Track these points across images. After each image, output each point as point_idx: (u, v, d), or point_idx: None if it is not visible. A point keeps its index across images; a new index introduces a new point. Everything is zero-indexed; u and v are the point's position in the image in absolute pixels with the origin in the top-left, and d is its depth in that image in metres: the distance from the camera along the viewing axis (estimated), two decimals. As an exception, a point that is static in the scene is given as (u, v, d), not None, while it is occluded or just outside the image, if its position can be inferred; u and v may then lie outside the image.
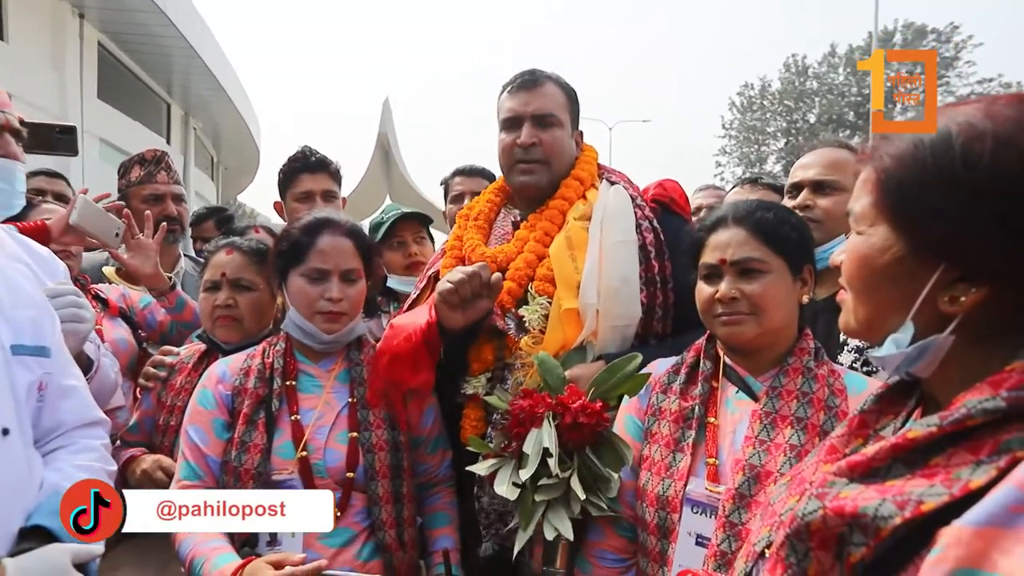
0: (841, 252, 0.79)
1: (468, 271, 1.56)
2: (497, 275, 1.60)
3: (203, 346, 1.86)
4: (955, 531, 0.57)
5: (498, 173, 1.91)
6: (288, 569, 1.27)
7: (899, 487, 0.64)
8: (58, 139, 1.82)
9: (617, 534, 1.38)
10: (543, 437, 1.31)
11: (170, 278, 2.09)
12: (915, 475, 0.65)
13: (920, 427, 0.66)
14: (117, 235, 1.94)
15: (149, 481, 1.65)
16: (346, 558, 1.45)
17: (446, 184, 2.96)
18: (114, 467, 1.35)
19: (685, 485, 1.26)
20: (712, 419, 1.30)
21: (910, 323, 0.70)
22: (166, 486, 1.60)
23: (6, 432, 1.09)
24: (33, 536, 1.07)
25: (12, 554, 1.03)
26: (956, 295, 0.67)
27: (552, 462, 1.28)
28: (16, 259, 1.52)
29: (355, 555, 1.47)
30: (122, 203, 2.22)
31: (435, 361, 1.59)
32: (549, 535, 1.27)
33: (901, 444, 0.67)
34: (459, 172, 2.90)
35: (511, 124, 1.75)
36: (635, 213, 1.68)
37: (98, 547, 1.14)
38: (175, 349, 1.93)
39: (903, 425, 0.77)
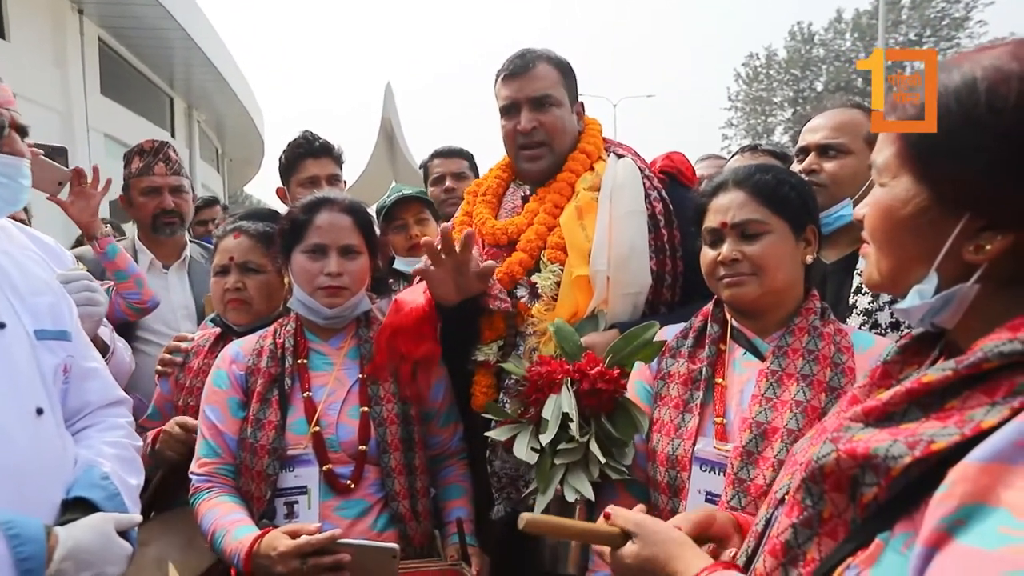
0: (864, 205, 0.78)
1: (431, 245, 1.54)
2: (490, 263, 1.61)
3: (218, 330, 1.90)
4: (962, 468, 0.58)
5: (483, 153, 1.92)
6: (304, 538, 1.31)
7: (912, 429, 0.65)
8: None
9: (630, 495, 1.39)
10: (562, 402, 1.33)
11: (106, 225, 2.15)
12: (929, 418, 0.65)
13: (936, 371, 0.66)
14: (60, 184, 2.00)
15: (170, 439, 1.69)
16: (361, 528, 1.48)
17: (425, 167, 2.93)
18: (140, 443, 1.40)
19: (694, 444, 1.28)
20: (720, 380, 1.31)
21: (934, 274, 0.69)
22: (185, 442, 1.65)
23: (40, 412, 1.14)
24: (76, 507, 1.14)
25: (59, 524, 1.10)
26: (981, 244, 0.66)
27: (573, 426, 1.30)
28: (26, 249, 1.55)
29: (370, 525, 1.50)
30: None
31: (437, 332, 1.60)
32: (570, 497, 1.30)
33: (916, 388, 0.67)
34: (438, 154, 2.86)
35: (509, 111, 1.75)
36: (643, 184, 1.69)
37: (137, 516, 1.22)
38: (189, 335, 1.97)
39: None
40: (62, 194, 2.05)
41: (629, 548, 0.92)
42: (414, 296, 1.64)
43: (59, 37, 10.19)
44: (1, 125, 1.23)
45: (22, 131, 1.51)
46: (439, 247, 1.53)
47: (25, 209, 2.51)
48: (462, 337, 1.71)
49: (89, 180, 2.11)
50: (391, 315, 1.61)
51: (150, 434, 1.78)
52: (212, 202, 4.01)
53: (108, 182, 2.17)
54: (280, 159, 2.50)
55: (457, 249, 1.53)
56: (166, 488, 1.74)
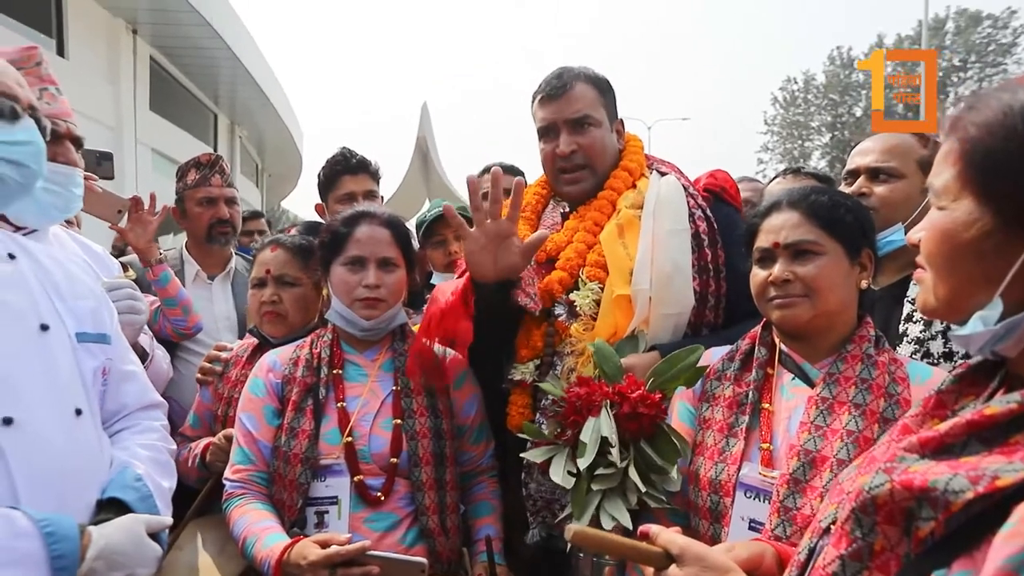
0: (919, 230, 0.75)
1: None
2: (541, 233, 1.61)
3: (256, 340, 1.92)
4: None
5: (530, 172, 1.91)
6: (333, 548, 1.30)
7: (973, 463, 0.62)
8: (98, 165, 2.00)
9: (670, 520, 1.35)
10: (601, 426, 1.28)
11: (161, 253, 2.20)
12: (992, 452, 0.62)
13: (999, 404, 0.64)
14: (120, 212, 2.11)
15: (218, 450, 1.70)
16: (390, 542, 1.47)
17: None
18: (174, 447, 1.42)
19: (738, 470, 1.23)
20: (766, 405, 1.27)
21: (999, 300, 0.67)
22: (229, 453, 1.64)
23: (79, 412, 1.16)
24: (109, 507, 1.16)
25: (92, 523, 1.11)
26: None
27: (614, 451, 1.25)
28: (75, 255, 1.61)
29: (399, 539, 1.49)
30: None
31: (472, 313, 1.57)
32: (607, 525, 1.24)
33: (978, 421, 0.64)
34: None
35: (547, 133, 1.71)
36: (687, 202, 1.65)
37: (168, 518, 1.23)
38: (229, 344, 2.00)
39: None
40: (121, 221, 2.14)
41: (674, 571, 0.89)
42: (451, 284, 1.63)
43: (113, 56, 10.66)
44: (43, 128, 1.26)
45: (77, 142, 1.59)
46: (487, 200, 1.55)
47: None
48: (500, 351, 1.68)
49: (146, 207, 2.18)
50: (433, 302, 1.60)
51: (199, 446, 1.79)
52: (258, 214, 4.34)
53: (164, 209, 2.25)
54: (319, 176, 2.54)
55: (504, 215, 1.54)
56: (212, 497, 1.75)
